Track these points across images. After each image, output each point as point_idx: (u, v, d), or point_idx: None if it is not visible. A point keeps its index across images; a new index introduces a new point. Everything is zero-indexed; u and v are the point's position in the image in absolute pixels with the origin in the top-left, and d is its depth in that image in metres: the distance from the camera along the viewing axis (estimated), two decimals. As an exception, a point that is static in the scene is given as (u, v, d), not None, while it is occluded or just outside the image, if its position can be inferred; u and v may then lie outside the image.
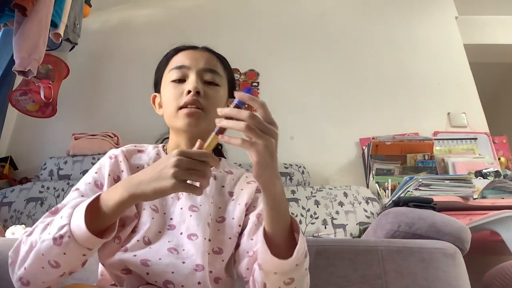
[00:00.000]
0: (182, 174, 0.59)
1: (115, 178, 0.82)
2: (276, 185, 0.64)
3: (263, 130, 0.58)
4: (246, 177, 0.92)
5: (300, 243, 0.67)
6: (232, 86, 0.97)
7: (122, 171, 0.82)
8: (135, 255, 0.74)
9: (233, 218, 0.83)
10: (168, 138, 0.97)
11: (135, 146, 0.91)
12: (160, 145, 0.94)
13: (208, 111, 0.84)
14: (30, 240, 0.66)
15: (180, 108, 0.84)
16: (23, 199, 2.08)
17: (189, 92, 0.84)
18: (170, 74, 0.89)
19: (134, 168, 0.84)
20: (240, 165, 0.94)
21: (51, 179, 2.23)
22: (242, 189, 0.88)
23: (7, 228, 1.62)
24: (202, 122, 0.84)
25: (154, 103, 0.97)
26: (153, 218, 0.78)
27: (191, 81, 0.85)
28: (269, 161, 0.60)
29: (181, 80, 0.87)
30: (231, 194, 0.88)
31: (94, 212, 0.64)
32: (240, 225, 0.82)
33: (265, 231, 0.70)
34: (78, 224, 0.62)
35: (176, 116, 0.85)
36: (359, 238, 1.82)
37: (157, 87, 0.96)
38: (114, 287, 0.76)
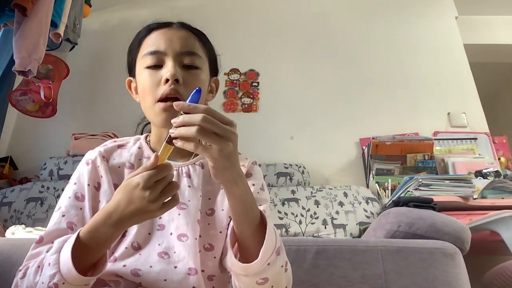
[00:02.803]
0: (159, 203, 0.58)
1: (96, 186, 0.78)
2: (238, 185, 0.62)
3: (218, 132, 0.55)
4: None
5: (267, 243, 0.64)
6: (214, 64, 0.89)
7: (101, 176, 0.78)
8: (124, 265, 0.71)
9: (222, 210, 0.79)
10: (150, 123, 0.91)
11: (115, 142, 0.86)
12: (142, 137, 0.88)
13: None
14: (25, 284, 0.65)
15: (158, 101, 0.76)
16: (23, 199, 2.08)
17: (167, 81, 0.75)
18: (144, 60, 0.79)
19: (115, 169, 0.80)
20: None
21: (51, 179, 2.23)
22: None
23: (7, 228, 1.62)
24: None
25: (130, 88, 0.88)
26: None
27: (169, 68, 0.76)
28: (226, 164, 0.58)
29: (157, 66, 0.78)
30: None
31: (80, 252, 0.61)
32: (229, 217, 0.78)
33: (233, 231, 0.68)
34: (68, 270, 0.60)
35: (152, 109, 0.77)
36: (359, 238, 1.81)
37: (131, 72, 0.87)
38: None
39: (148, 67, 0.78)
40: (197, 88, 0.59)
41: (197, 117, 0.54)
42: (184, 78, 0.77)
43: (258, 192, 0.81)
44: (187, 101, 0.58)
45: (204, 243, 0.76)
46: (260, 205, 0.76)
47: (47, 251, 0.66)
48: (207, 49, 0.86)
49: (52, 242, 0.67)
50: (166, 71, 0.76)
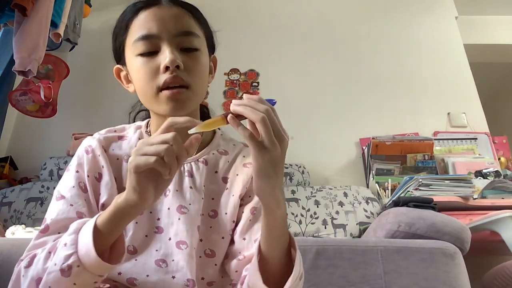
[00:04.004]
0: (135, 156, 0.53)
1: (96, 177, 0.72)
2: (280, 205, 0.57)
3: (274, 131, 0.52)
4: (244, 156, 0.80)
5: (295, 271, 0.60)
6: (211, 41, 0.80)
7: (103, 166, 0.73)
8: (120, 273, 0.68)
9: (226, 213, 0.74)
10: (144, 110, 0.85)
11: (115, 132, 0.80)
12: (143, 125, 0.81)
13: (193, 87, 0.69)
14: (31, 273, 0.59)
15: (160, 90, 0.68)
16: (23, 199, 2.08)
17: (166, 68, 0.67)
18: (135, 46, 0.70)
19: (113, 160, 0.75)
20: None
21: (51, 179, 2.23)
22: (237, 175, 0.77)
23: (7, 228, 1.62)
24: (189, 102, 0.70)
25: (119, 77, 0.80)
26: (136, 223, 0.70)
27: (167, 54, 0.67)
28: (269, 171, 0.53)
29: (151, 52, 0.69)
30: (225, 180, 0.77)
31: (97, 235, 0.56)
32: (234, 221, 0.74)
33: (260, 247, 0.62)
34: (87, 251, 0.54)
35: (156, 99, 0.69)
36: (359, 238, 1.81)
37: (119, 59, 0.78)
38: None
39: (141, 54, 0.70)
40: (273, 100, 0.56)
41: (263, 106, 0.52)
42: (184, 62, 0.69)
43: None
44: None
45: (205, 248, 0.72)
46: None
47: (54, 241, 0.61)
48: (202, 26, 0.77)
49: (59, 233, 0.63)
50: (164, 57, 0.67)
